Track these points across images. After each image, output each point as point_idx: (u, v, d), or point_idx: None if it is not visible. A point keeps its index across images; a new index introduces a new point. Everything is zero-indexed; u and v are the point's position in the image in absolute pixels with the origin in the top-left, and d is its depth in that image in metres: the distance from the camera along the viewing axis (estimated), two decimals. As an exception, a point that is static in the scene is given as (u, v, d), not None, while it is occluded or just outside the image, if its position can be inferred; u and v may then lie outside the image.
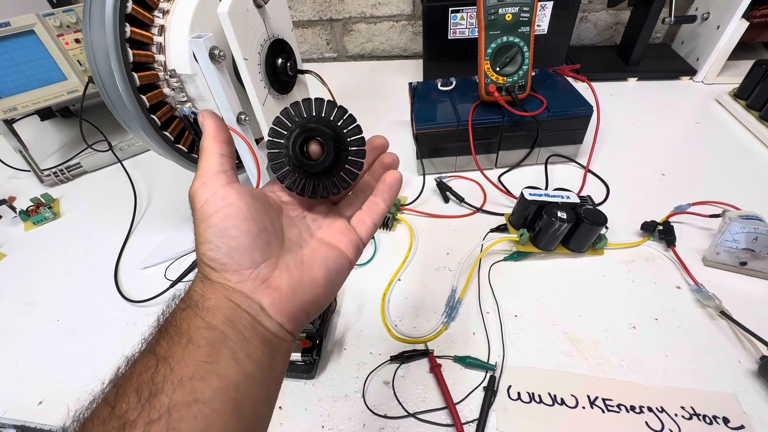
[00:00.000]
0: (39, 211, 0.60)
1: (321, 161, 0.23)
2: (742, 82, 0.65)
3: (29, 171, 0.67)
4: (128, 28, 0.37)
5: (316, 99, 0.23)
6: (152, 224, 0.58)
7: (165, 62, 0.40)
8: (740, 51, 0.70)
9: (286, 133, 0.22)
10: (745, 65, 0.66)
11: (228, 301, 0.19)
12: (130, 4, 0.36)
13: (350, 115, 0.23)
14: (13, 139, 0.63)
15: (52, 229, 0.60)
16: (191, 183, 0.21)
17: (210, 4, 0.40)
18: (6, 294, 0.50)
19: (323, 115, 0.23)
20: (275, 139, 0.23)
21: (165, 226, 0.57)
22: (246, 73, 0.41)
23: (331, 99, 0.24)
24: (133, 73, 0.38)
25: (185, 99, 0.42)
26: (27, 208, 0.60)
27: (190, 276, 0.47)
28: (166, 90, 0.41)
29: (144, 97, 0.39)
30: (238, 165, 0.53)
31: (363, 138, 0.24)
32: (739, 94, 0.66)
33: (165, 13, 0.39)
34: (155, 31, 0.39)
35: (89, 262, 0.54)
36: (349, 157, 0.23)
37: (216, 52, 0.38)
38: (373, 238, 0.49)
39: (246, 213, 0.20)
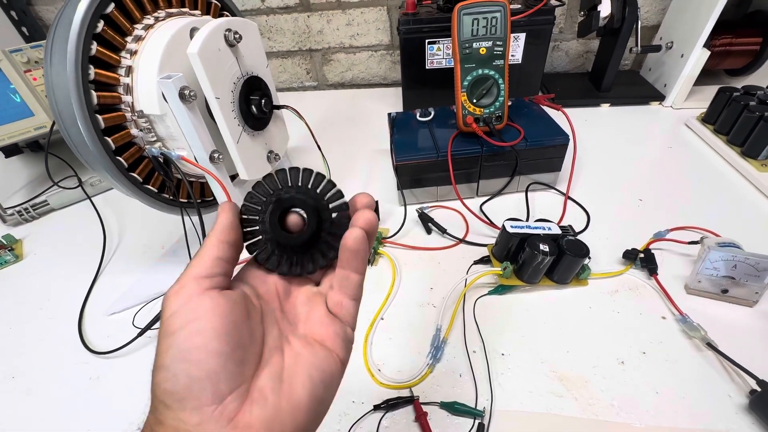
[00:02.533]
0: (-1, 254, 0.57)
1: (302, 233, 0.21)
2: (709, 107, 0.68)
3: (-9, 210, 0.63)
4: (92, 70, 0.35)
5: (291, 168, 0.21)
6: (122, 264, 0.55)
7: (132, 103, 0.38)
8: (705, 77, 0.73)
9: (260, 208, 0.20)
10: (711, 90, 0.69)
11: None
12: (94, 46, 0.35)
13: (329, 180, 0.21)
14: (-26, 178, 0.60)
15: (13, 272, 0.56)
16: (171, 286, 0.18)
17: (180, 43, 0.39)
18: (-43, 348, 0.46)
19: (300, 184, 0.21)
20: (250, 216, 0.20)
21: (135, 266, 0.55)
22: (219, 112, 0.40)
23: (309, 168, 0.22)
24: (98, 116, 0.36)
25: (154, 139, 0.41)
26: (-14, 252, 0.57)
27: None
28: (134, 131, 0.40)
29: (109, 140, 0.37)
30: (211, 202, 0.51)
31: (346, 203, 0.21)
32: (706, 119, 0.68)
33: (133, 53, 0.38)
34: (122, 71, 0.38)
35: (51, 308, 0.50)
36: (333, 224, 0.21)
37: (186, 92, 0.37)
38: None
39: (219, 326, 0.17)
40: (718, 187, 0.58)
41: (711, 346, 0.38)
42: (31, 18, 0.96)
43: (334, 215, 0.21)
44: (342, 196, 0.21)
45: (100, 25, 0.35)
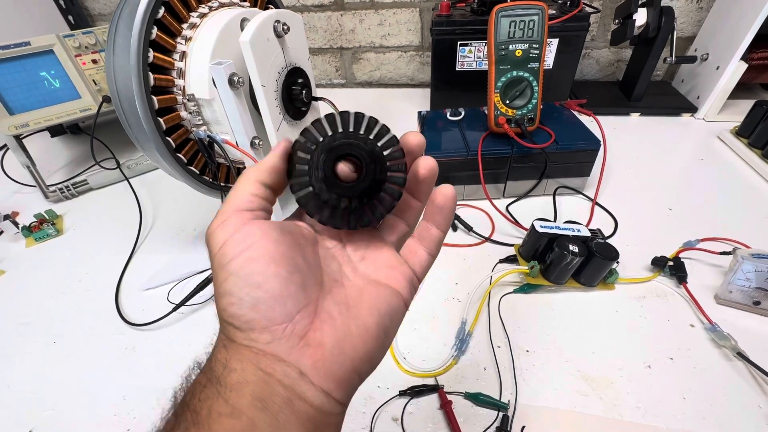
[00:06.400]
0: (42, 228, 0.59)
1: (356, 183, 0.19)
2: (744, 121, 0.67)
3: (35, 186, 0.66)
4: (151, 54, 0.37)
5: (342, 113, 0.19)
6: (157, 244, 0.57)
7: (184, 87, 0.40)
8: (740, 91, 0.72)
9: (309, 156, 0.19)
10: (745, 104, 0.68)
11: (257, 371, 0.15)
12: (155, 31, 0.37)
13: (384, 125, 0.19)
14: (22, 155, 0.63)
15: (54, 246, 0.59)
16: (211, 222, 0.18)
17: (231, 32, 0.41)
18: (1, 313, 0.49)
19: (351, 129, 0.19)
20: (299, 165, 0.19)
21: (169, 246, 0.57)
22: (263, 100, 0.42)
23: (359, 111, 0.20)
24: (153, 97, 0.38)
25: (201, 122, 0.43)
26: (30, 224, 0.60)
27: (196, 299, 0.46)
28: (183, 113, 0.42)
29: (161, 120, 0.39)
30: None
31: (402, 150, 0.19)
32: (740, 132, 0.67)
33: (188, 40, 0.40)
34: (177, 56, 0.40)
35: (90, 281, 0.52)
36: (388, 173, 0.19)
37: (235, 78, 0.39)
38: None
39: (272, 252, 0.17)
40: (752, 200, 0.57)
41: (742, 355, 0.37)
42: (78, 7, 1.00)
43: (389, 163, 0.19)
44: (397, 141, 0.19)
45: (161, 11, 0.37)
